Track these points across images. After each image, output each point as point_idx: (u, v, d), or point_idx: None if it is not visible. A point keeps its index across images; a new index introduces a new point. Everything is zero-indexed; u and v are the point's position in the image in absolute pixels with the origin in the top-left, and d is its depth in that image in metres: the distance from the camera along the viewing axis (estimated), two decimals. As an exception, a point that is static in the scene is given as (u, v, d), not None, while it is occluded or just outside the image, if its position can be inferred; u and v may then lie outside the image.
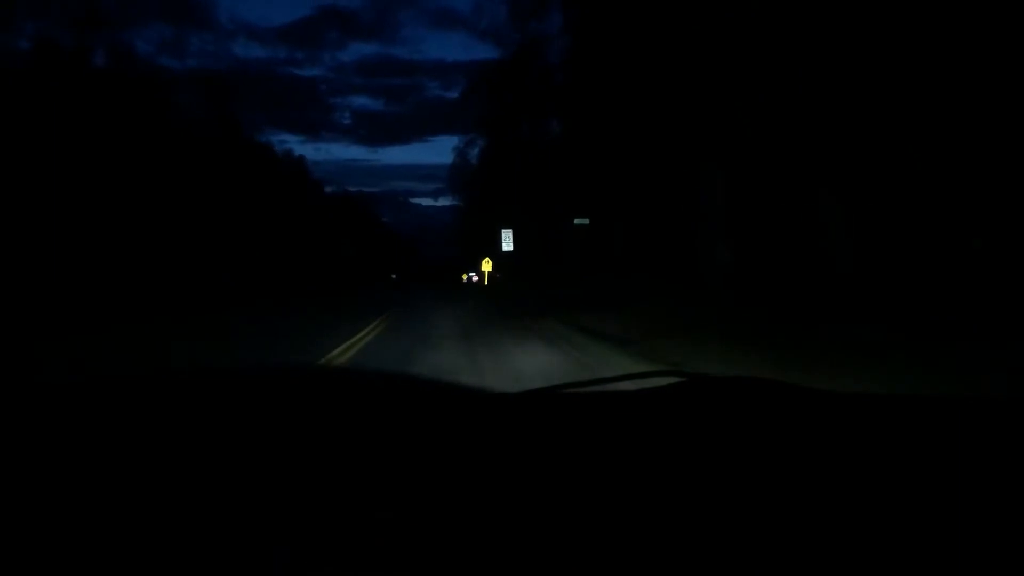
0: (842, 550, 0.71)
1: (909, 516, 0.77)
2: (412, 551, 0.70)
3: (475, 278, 75.73)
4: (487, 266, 48.88)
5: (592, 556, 0.70)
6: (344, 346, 10.54)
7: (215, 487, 0.83)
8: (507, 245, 41.06)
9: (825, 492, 0.82)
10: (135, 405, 1.15)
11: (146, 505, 0.78)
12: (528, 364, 8.18)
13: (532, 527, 0.74)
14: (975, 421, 1.10)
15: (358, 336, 12.07)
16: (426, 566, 0.69)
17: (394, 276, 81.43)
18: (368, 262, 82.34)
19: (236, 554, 0.70)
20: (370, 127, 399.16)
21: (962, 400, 1.18)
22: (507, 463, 0.92)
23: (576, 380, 1.43)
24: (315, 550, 0.70)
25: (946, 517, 0.77)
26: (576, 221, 25.63)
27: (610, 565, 0.69)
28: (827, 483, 0.85)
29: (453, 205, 68.14)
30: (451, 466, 0.91)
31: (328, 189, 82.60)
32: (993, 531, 0.74)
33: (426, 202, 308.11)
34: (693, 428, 1.07)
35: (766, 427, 1.06)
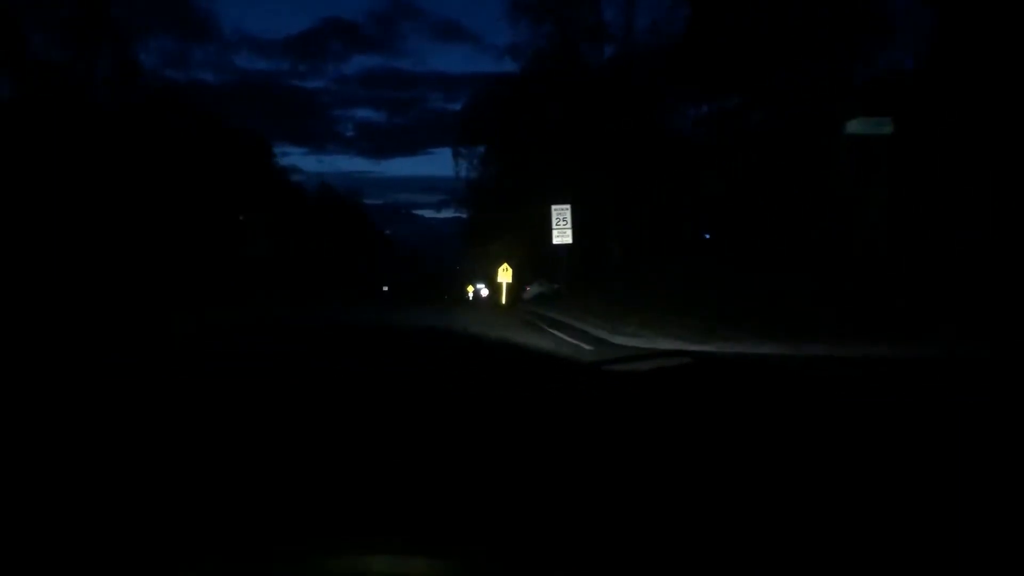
0: (843, 522, 0.73)
1: (910, 493, 0.80)
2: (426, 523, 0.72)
3: (484, 291, 61.57)
4: (505, 275, 34.88)
5: (609, 526, 0.73)
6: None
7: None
8: (562, 234, 25.92)
9: (825, 466, 0.85)
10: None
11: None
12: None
13: (543, 508, 0.76)
14: (977, 415, 1.12)
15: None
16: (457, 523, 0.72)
17: (385, 288, 70.94)
18: (350, 270, 68.34)
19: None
20: (373, 139, 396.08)
21: (962, 399, 1.27)
22: (519, 445, 0.92)
23: (597, 359, 1.58)
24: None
25: (944, 505, 0.79)
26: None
27: (625, 533, 0.72)
28: (827, 457, 0.88)
29: (456, 217, 62.26)
30: (462, 446, 0.91)
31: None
32: (986, 521, 0.77)
33: (429, 214, 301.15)
34: (699, 406, 1.10)
35: (768, 404, 1.11)
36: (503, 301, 35.03)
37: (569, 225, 25.22)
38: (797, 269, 13.46)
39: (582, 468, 0.83)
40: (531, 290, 32.32)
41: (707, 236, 27.54)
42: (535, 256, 34.54)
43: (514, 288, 35.24)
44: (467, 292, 79.11)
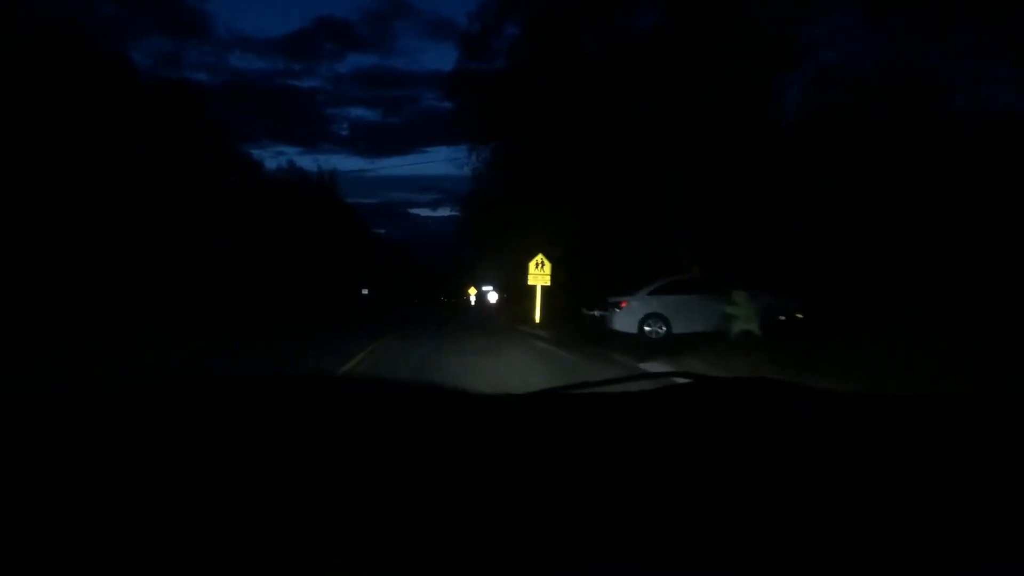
0: (845, 544, 0.73)
1: (909, 510, 0.80)
2: (417, 549, 0.72)
3: (492, 296, 49.22)
4: (539, 276, 22.55)
5: (600, 553, 0.72)
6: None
7: (226, 488, 0.84)
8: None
9: (828, 489, 0.85)
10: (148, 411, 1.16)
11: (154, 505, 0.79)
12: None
13: (540, 525, 0.76)
14: (972, 420, 1.16)
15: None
16: (433, 564, 0.70)
17: (365, 292, 63.48)
18: (328, 272, 56.11)
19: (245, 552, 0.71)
20: (368, 138, 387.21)
21: (960, 399, 1.33)
22: (515, 463, 0.93)
23: (582, 381, 1.41)
24: (322, 545, 0.72)
25: (944, 511, 0.80)
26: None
27: (619, 562, 0.72)
28: (830, 480, 0.87)
29: (452, 215, 54.43)
30: (461, 465, 0.92)
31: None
32: (988, 522, 0.77)
33: (424, 212, 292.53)
34: (698, 429, 1.09)
35: (769, 427, 1.09)
36: (536, 317, 22.69)
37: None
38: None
39: (566, 498, 0.82)
40: (634, 307, 15.03)
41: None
42: (600, 249, 22.12)
43: (553, 300, 22.95)
44: (468, 297, 66.68)
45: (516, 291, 33.83)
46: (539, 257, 22.32)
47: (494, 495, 0.82)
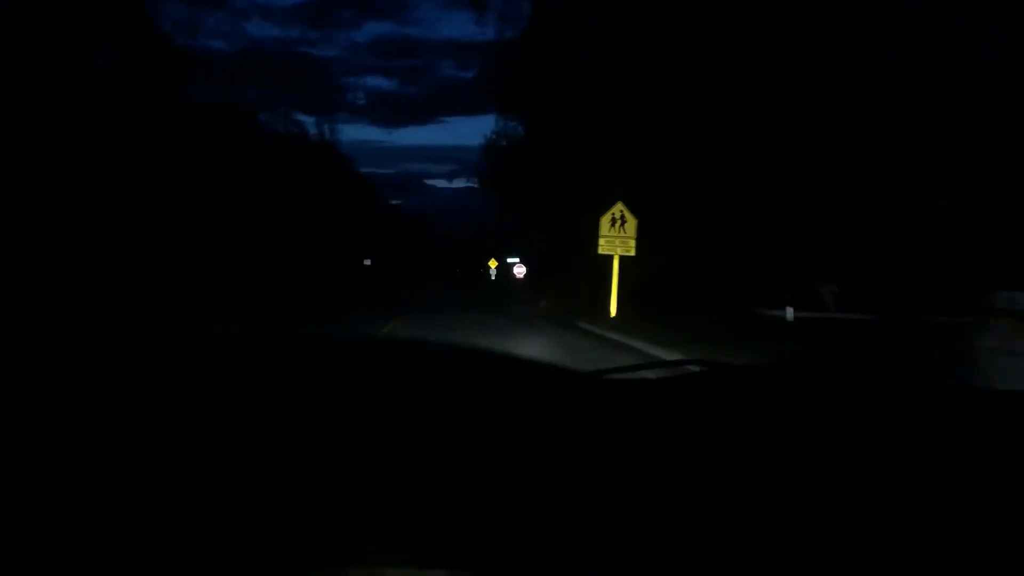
0: (847, 544, 0.73)
1: (913, 507, 0.80)
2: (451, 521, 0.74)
3: (520, 270, 40.42)
4: (620, 241, 13.97)
5: (618, 533, 0.74)
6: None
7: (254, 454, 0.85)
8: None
9: (833, 481, 0.85)
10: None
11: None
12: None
13: (552, 515, 0.77)
14: (983, 409, 1.18)
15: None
16: (463, 538, 0.72)
17: (368, 263, 56.32)
18: (328, 244, 48.15)
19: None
20: (384, 108, 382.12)
21: (968, 391, 1.43)
22: (536, 446, 0.94)
23: (601, 368, 1.36)
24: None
25: (948, 508, 0.80)
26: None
27: (619, 563, 0.72)
28: (836, 472, 0.88)
29: (468, 187, 47.84)
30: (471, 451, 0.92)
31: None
32: (988, 507, 0.79)
33: (441, 183, 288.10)
34: (714, 414, 1.10)
35: (782, 413, 1.11)
36: (612, 307, 14.00)
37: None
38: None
39: (585, 480, 0.84)
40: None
41: None
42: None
43: (634, 282, 14.25)
44: (489, 270, 58.06)
45: (554, 265, 25.21)
46: (618, 209, 13.62)
47: (506, 483, 0.82)
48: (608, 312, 13.64)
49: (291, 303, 20.55)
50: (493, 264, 55.91)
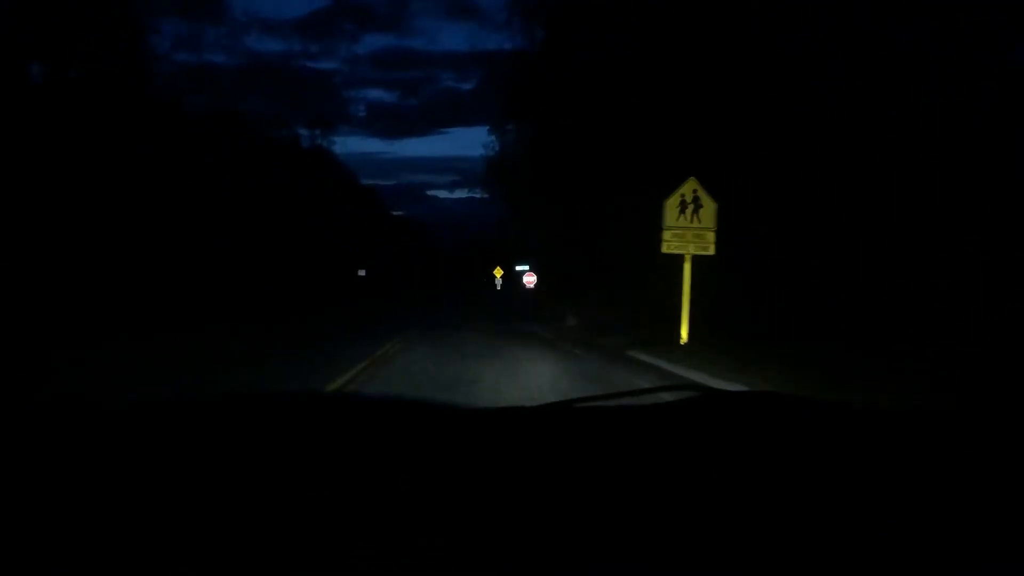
0: (850, 558, 0.73)
1: (915, 525, 0.80)
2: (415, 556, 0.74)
3: (531, 279, 36.19)
4: (692, 237, 10.02)
5: (608, 568, 0.73)
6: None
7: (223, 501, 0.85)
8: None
9: (835, 503, 0.85)
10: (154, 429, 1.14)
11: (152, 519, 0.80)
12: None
13: (545, 540, 0.76)
14: (976, 434, 1.16)
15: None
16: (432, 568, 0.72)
17: (362, 273, 55.28)
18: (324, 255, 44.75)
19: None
20: (385, 120, 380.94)
21: (964, 414, 1.33)
22: (520, 478, 0.94)
23: (590, 395, 1.39)
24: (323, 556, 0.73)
25: (949, 524, 0.80)
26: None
27: (619, 563, 0.72)
28: (837, 494, 0.88)
29: (470, 197, 46.80)
30: (464, 480, 0.92)
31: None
32: (990, 534, 0.78)
33: (442, 194, 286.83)
34: (707, 443, 1.09)
35: (778, 441, 1.09)
36: (684, 335, 9.93)
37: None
38: None
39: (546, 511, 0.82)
40: None
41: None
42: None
43: (703, 297, 10.21)
44: (494, 279, 53.99)
45: (569, 273, 21.19)
46: (689, 186, 9.52)
47: (496, 507, 0.83)
48: (677, 336, 9.54)
49: (275, 320, 18.45)
50: (499, 273, 51.85)
